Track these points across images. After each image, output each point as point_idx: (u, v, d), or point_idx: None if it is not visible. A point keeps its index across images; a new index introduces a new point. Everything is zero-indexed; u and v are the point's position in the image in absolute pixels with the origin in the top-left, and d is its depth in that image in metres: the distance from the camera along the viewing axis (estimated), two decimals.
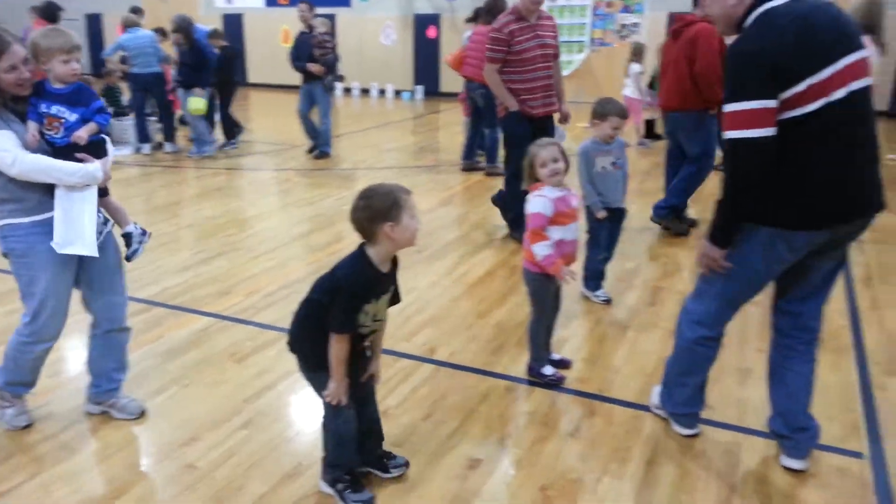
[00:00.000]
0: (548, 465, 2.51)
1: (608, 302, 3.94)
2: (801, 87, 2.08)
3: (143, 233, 2.95)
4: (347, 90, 15.55)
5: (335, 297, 2.12)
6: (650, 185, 6.94)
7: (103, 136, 2.60)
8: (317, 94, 8.14)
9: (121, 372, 2.84)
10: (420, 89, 14.73)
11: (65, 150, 2.46)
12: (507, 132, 4.94)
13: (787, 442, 2.49)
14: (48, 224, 2.46)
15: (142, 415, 2.80)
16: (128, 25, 8.13)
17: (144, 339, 3.46)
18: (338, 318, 2.12)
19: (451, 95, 13.42)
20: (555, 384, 3.04)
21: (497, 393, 2.99)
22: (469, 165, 7.51)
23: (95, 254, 2.53)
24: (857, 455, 2.57)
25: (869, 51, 4.44)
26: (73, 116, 2.48)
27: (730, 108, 2.16)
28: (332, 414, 2.26)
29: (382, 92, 15.16)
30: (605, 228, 3.90)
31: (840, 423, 2.76)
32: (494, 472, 2.46)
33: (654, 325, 3.69)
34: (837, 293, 4.08)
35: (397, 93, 14.95)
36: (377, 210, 2.06)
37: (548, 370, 3.08)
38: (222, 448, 2.59)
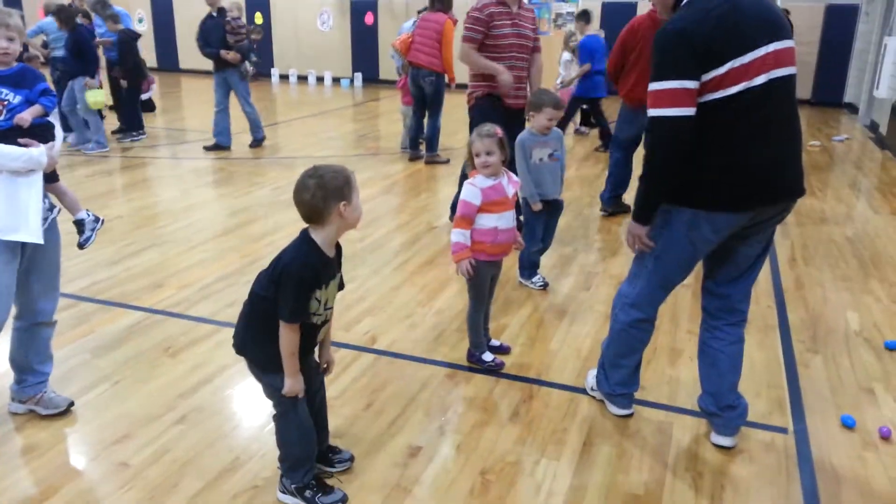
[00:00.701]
0: (487, 449, 2.54)
1: (545, 287, 4.00)
2: (721, 69, 2.15)
3: (96, 220, 2.84)
4: (284, 77, 15.25)
5: (281, 286, 2.03)
6: (587, 171, 7.08)
7: (49, 119, 2.50)
8: (233, 82, 7.71)
9: (47, 364, 2.72)
10: (359, 76, 14.58)
11: (7, 134, 2.35)
12: (477, 121, 4.86)
13: (717, 420, 2.58)
14: None
15: (69, 408, 2.70)
16: (49, 11, 7.74)
17: (73, 336, 3.33)
18: (287, 305, 2.03)
19: (390, 83, 13.32)
20: (494, 370, 3.08)
21: (437, 380, 3.01)
22: (415, 155, 7.48)
23: (41, 240, 2.42)
24: (782, 430, 2.69)
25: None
26: (16, 98, 2.39)
27: (652, 87, 2.23)
28: (292, 411, 2.16)
29: (320, 79, 14.94)
30: (542, 220, 3.94)
31: (766, 400, 2.89)
32: (434, 458, 2.48)
33: (590, 309, 3.77)
34: (764, 274, 4.25)
35: (335, 80, 14.75)
36: (331, 189, 2.00)
37: (487, 356, 3.11)
38: (156, 445, 2.52)
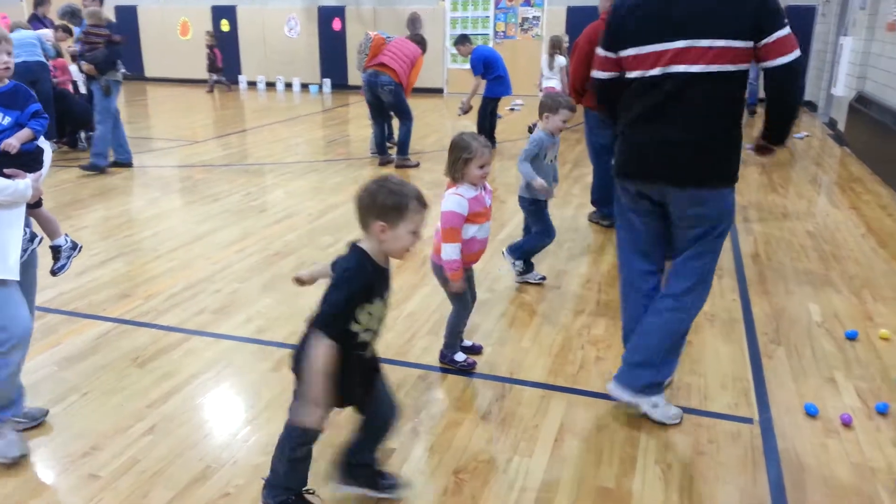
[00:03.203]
0: (460, 448, 2.56)
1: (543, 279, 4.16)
2: (624, 53, 2.54)
3: (74, 246, 2.71)
4: (252, 84, 15.15)
5: (330, 290, 1.85)
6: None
7: (38, 144, 2.34)
8: (97, 96, 6.95)
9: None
10: (328, 82, 14.54)
11: None
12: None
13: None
14: None
15: (45, 416, 2.68)
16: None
17: (40, 348, 3.27)
18: (328, 313, 1.81)
19: (359, 88, 13.32)
20: (466, 370, 3.10)
21: (410, 382, 3.02)
22: (385, 159, 7.48)
23: (16, 277, 2.30)
24: (748, 421, 2.75)
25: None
26: (5, 120, 2.22)
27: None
28: (300, 439, 1.99)
29: (289, 85, 14.86)
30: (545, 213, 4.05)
31: (732, 392, 2.95)
32: (408, 459, 2.49)
33: (561, 307, 3.81)
34: (728, 269, 4.34)
35: (304, 86, 14.69)
36: (378, 204, 1.86)
37: (459, 356, 3.13)
38: (125, 456, 2.49)
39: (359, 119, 10.53)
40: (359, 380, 2.01)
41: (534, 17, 13.20)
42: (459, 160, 2.83)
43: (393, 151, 7.62)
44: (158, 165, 7.52)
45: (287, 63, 14.88)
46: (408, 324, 3.59)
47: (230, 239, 4.93)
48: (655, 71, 2.46)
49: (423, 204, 1.92)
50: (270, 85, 15.01)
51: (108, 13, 7.29)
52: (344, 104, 12.62)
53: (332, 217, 5.50)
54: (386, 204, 1.85)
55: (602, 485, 2.36)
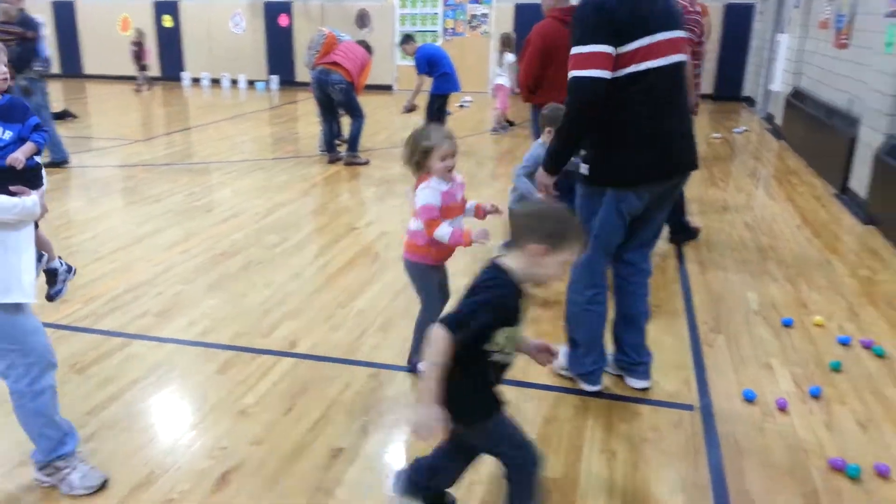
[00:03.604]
0: (410, 446, 2.56)
1: None
2: (632, 46, 2.42)
3: (69, 269, 2.56)
4: (196, 81, 14.82)
5: (469, 296, 1.76)
6: (502, 169, 7.20)
7: (37, 160, 2.22)
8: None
9: None
10: (275, 79, 14.33)
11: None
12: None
13: (639, 368, 2.93)
14: None
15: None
16: None
17: None
18: (460, 312, 1.71)
19: (308, 85, 13.16)
20: None
21: (360, 381, 3.01)
22: (334, 157, 7.42)
23: (34, 300, 2.19)
24: (689, 408, 2.83)
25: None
26: (6, 134, 2.11)
27: (575, 51, 2.46)
28: (430, 469, 1.97)
29: (235, 82, 14.59)
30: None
31: (674, 380, 3.03)
32: (357, 458, 2.48)
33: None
34: (670, 260, 4.45)
35: (251, 83, 14.45)
36: (545, 227, 1.77)
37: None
38: None
39: (307, 116, 10.41)
40: (479, 400, 1.90)
41: (482, 14, 13.26)
42: (417, 151, 2.71)
43: (342, 149, 7.57)
44: (98, 165, 7.30)
45: (233, 59, 14.60)
46: (357, 321, 3.58)
47: (173, 240, 4.82)
48: (662, 61, 2.46)
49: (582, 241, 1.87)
50: (215, 82, 14.71)
51: (29, 8, 6.87)
52: (292, 101, 12.46)
53: (279, 216, 5.43)
54: (555, 229, 1.78)
55: (550, 476, 2.40)
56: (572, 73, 2.46)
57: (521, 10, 12.94)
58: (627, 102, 2.47)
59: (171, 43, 14.95)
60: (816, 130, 7.28)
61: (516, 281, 1.79)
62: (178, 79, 14.85)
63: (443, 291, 3.02)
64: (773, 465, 2.47)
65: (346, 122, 7.58)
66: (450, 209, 2.77)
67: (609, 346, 2.99)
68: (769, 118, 10.37)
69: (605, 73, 2.41)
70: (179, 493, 2.29)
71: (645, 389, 2.93)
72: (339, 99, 7.11)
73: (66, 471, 2.28)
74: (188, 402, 2.86)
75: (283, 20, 14.20)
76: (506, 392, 2.88)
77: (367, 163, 7.35)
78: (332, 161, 7.37)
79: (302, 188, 6.34)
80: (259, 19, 14.41)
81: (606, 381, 2.98)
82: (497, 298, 1.75)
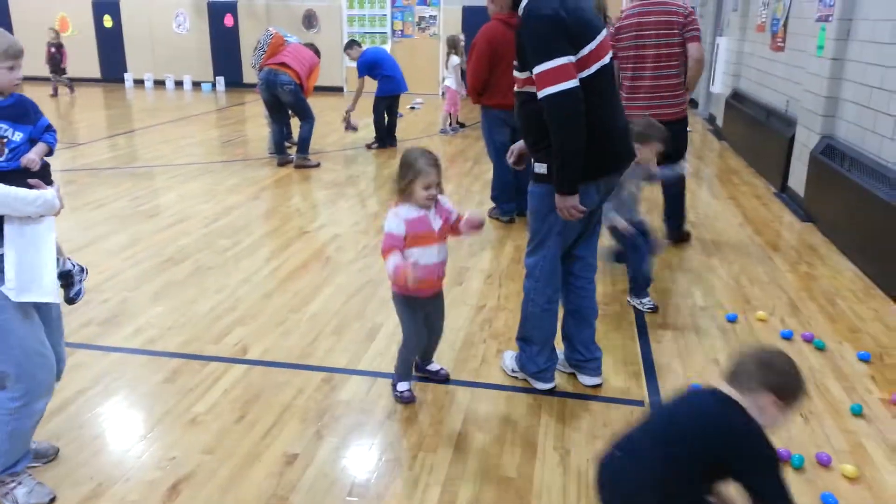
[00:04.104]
0: (365, 449, 2.56)
1: (654, 310, 3.76)
2: (584, 51, 2.49)
3: (82, 269, 2.47)
4: (139, 82, 14.43)
5: (755, 463, 1.66)
6: (452, 171, 7.23)
7: (46, 159, 2.17)
8: None
9: None
10: (221, 80, 14.07)
11: (9, 176, 2.00)
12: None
13: (590, 364, 2.99)
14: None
15: (56, 452, 2.47)
16: None
17: None
18: (780, 493, 1.64)
19: (255, 86, 12.96)
20: (407, 402, 2.85)
21: (313, 385, 2.98)
22: (284, 159, 7.32)
23: (58, 300, 2.11)
24: (639, 403, 2.89)
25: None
26: (17, 136, 2.05)
27: (541, 68, 2.44)
28: None
29: (179, 83, 14.27)
30: (642, 232, 3.74)
31: (624, 376, 3.09)
32: (312, 464, 2.46)
33: (463, 303, 3.87)
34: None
35: (196, 84, 14.15)
36: (781, 381, 1.72)
37: (402, 386, 2.88)
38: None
39: (255, 118, 10.25)
40: None
41: (430, 16, 13.29)
42: (405, 178, 2.60)
43: (292, 151, 7.48)
44: None
45: (177, 60, 14.27)
46: (310, 325, 3.55)
47: (118, 246, 4.69)
48: (606, 59, 2.59)
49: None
50: (159, 83, 14.36)
51: None
52: (239, 103, 12.25)
53: (229, 220, 5.34)
54: (789, 386, 1.73)
55: (504, 474, 2.42)
56: (547, 91, 2.44)
57: (468, 13, 13.02)
58: (588, 102, 2.50)
59: (111, 43, 14.53)
60: (756, 131, 7.53)
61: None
62: (120, 80, 14.45)
63: (430, 326, 2.90)
64: None
65: (295, 124, 7.50)
66: (422, 237, 2.63)
67: (559, 345, 3.04)
68: (711, 119, 10.67)
69: (575, 82, 2.44)
70: (130, 503, 2.23)
71: (597, 386, 2.98)
72: (287, 100, 7.02)
73: (11, 485, 2.21)
74: (136, 412, 2.79)
75: (228, 20, 13.96)
76: (459, 393, 2.92)
77: (317, 165, 7.29)
78: (282, 164, 7.28)
79: (251, 191, 6.24)
80: (203, 19, 14.12)
81: (558, 379, 3.02)
82: (773, 450, 1.69)
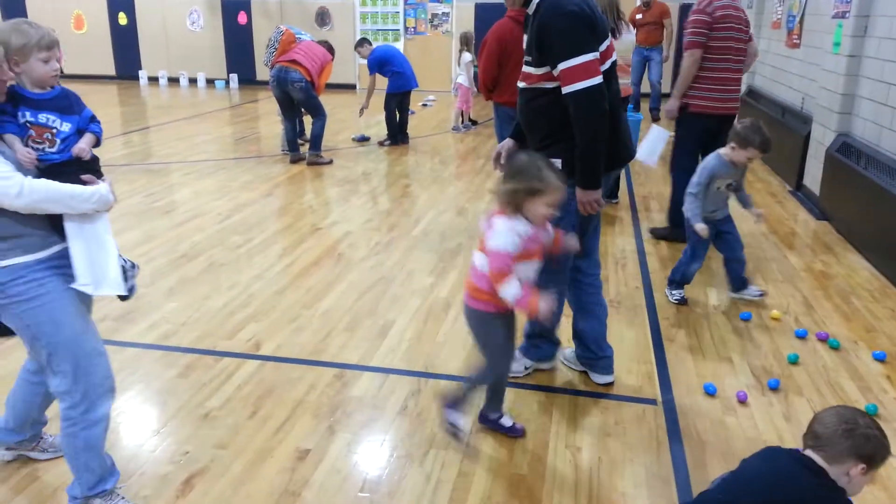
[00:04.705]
0: (377, 445, 2.56)
1: (682, 301, 3.81)
2: (602, 48, 2.56)
3: (133, 265, 2.45)
4: (154, 79, 14.52)
5: None
6: (465, 168, 7.22)
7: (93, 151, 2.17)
8: None
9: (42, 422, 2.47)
10: (234, 78, 14.13)
11: (59, 169, 2.01)
12: (685, 140, 4.68)
13: (602, 362, 2.99)
14: (56, 260, 2.03)
15: None
16: None
17: None
18: None
19: (268, 84, 13.00)
20: (455, 436, 2.56)
21: (325, 381, 2.99)
22: (297, 156, 7.35)
23: (124, 291, 2.13)
24: (652, 402, 2.88)
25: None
26: (66, 126, 2.04)
27: (569, 63, 2.47)
28: None
29: (193, 81, 14.35)
30: (706, 241, 3.72)
31: (637, 375, 3.08)
32: (324, 459, 2.47)
33: None
34: (632, 258, 4.52)
35: (209, 81, 14.22)
36: (865, 449, 1.68)
37: (459, 418, 2.54)
38: (25, 471, 2.36)
39: (268, 115, 10.29)
40: None
41: (443, 13, 13.27)
42: (522, 189, 2.23)
43: (305, 148, 7.51)
44: None
45: (190, 58, 14.35)
46: (323, 322, 3.56)
47: (133, 242, 4.73)
48: (614, 56, 2.67)
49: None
50: (173, 80, 14.45)
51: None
52: (253, 100, 12.30)
53: (242, 216, 5.36)
54: (880, 453, 1.70)
55: (515, 472, 2.42)
56: (577, 87, 2.47)
57: (481, 10, 12.98)
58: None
59: (126, 41, 14.62)
60: (771, 129, 7.42)
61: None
62: (134, 77, 14.54)
63: (512, 343, 2.57)
64: (735, 456, 2.52)
65: (308, 122, 7.52)
66: (528, 253, 2.31)
67: (569, 343, 3.04)
68: None
69: (601, 78, 2.50)
70: (143, 498, 2.25)
71: (609, 384, 2.97)
72: (299, 98, 7.04)
73: None
74: (150, 406, 2.81)
75: (241, 18, 14.01)
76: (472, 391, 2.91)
77: (330, 162, 7.30)
78: (295, 161, 7.30)
79: (265, 188, 6.27)
80: (217, 17, 14.18)
81: (571, 377, 3.02)
82: None
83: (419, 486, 2.34)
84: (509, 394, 2.91)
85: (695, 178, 3.68)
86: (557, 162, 2.64)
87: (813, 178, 5.91)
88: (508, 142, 2.94)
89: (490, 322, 2.39)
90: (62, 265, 2.04)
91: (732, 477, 1.87)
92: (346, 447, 2.55)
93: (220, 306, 3.73)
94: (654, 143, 4.91)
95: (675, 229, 4.64)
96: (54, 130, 2.04)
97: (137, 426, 2.67)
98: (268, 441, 2.56)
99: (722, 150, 3.70)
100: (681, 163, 4.68)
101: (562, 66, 2.48)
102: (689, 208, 3.64)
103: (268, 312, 3.66)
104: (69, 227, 2.02)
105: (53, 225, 2.02)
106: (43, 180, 1.94)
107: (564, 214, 2.70)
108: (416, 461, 2.47)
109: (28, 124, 1.99)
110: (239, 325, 3.51)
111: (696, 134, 4.62)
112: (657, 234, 4.94)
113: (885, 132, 4.77)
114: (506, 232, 2.22)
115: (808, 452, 1.75)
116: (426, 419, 2.72)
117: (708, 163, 3.69)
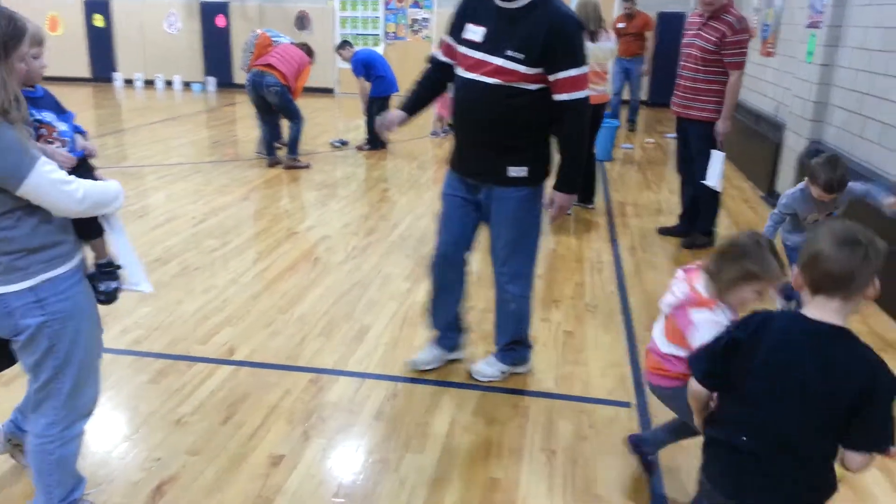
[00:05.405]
0: (352, 450, 2.55)
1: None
2: None
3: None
4: (129, 82, 14.37)
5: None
6: (442, 174, 7.22)
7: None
8: None
9: None
10: (212, 81, 14.01)
11: (75, 169, 1.94)
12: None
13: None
14: (80, 268, 1.95)
15: None
16: None
17: None
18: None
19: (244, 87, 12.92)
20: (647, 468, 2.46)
21: (300, 387, 2.97)
22: (274, 160, 7.30)
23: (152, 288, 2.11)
24: (625, 405, 2.90)
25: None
26: (63, 125, 1.98)
27: (577, 72, 2.56)
28: None
29: (169, 83, 14.21)
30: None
31: (611, 378, 3.10)
32: (298, 465, 2.45)
33: (461, 299, 3.85)
34: (608, 262, 4.55)
35: (186, 84, 14.09)
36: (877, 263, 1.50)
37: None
38: None
39: (246, 119, 10.21)
40: None
41: (423, 18, 13.29)
42: (739, 274, 1.98)
43: (282, 152, 7.46)
44: None
45: (167, 60, 14.21)
46: (298, 326, 3.53)
47: None
48: None
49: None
50: (149, 83, 14.29)
51: None
52: (230, 103, 12.20)
53: (217, 220, 5.32)
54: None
55: (491, 476, 2.42)
56: (578, 95, 2.59)
57: None
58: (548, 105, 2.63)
59: (102, 43, 14.45)
60: (744, 136, 7.56)
61: None
62: (109, 79, 14.37)
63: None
64: None
65: (286, 125, 7.48)
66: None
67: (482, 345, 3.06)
68: None
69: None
70: None
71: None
72: (274, 102, 7.00)
73: None
74: (121, 412, 2.77)
75: (219, 21, 13.91)
76: (447, 395, 2.92)
77: (307, 166, 7.27)
78: (272, 164, 7.26)
79: (241, 192, 6.22)
80: (195, 20, 14.06)
81: (547, 382, 3.03)
82: None
83: (394, 491, 2.33)
84: (486, 397, 2.91)
85: (774, 211, 3.52)
86: (523, 170, 2.66)
87: (785, 184, 6.00)
88: (400, 113, 2.89)
89: (683, 393, 1.95)
90: (81, 273, 1.98)
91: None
92: (321, 452, 2.53)
93: (193, 311, 3.69)
94: (717, 168, 4.80)
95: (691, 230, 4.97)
96: (56, 130, 1.98)
97: (108, 432, 2.63)
98: (241, 447, 2.54)
99: (802, 185, 3.42)
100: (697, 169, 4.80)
101: (567, 73, 2.53)
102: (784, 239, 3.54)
103: (242, 317, 3.63)
104: (116, 228, 2.03)
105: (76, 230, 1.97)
106: (89, 181, 1.87)
107: (532, 219, 2.78)
108: (391, 466, 2.46)
109: (38, 123, 1.92)
110: (213, 330, 3.47)
111: (712, 142, 4.72)
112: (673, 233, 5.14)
113: (857, 140, 4.86)
114: (710, 328, 1.95)
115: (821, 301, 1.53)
116: (402, 424, 2.71)
117: (791, 193, 3.45)
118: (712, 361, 1.65)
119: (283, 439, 2.59)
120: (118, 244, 2.04)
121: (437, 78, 2.92)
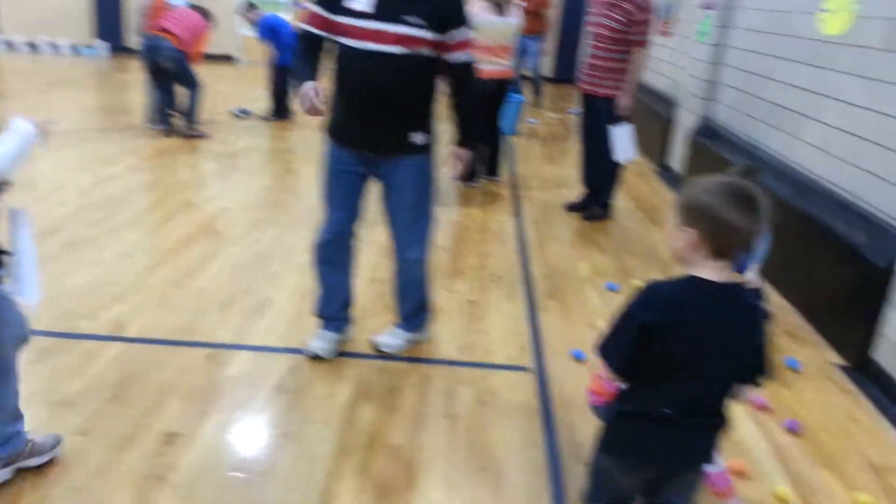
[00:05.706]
0: (252, 425, 2.51)
1: None
2: None
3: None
4: (8, 44, 13.27)
5: None
6: None
7: None
8: None
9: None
10: (103, 45, 13.15)
11: None
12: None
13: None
14: None
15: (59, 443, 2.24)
16: None
17: None
18: None
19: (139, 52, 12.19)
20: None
21: (197, 362, 2.87)
22: (169, 130, 6.95)
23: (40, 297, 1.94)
24: (524, 369, 2.98)
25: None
26: None
27: (469, 32, 2.66)
28: None
29: (55, 47, 13.23)
30: None
31: (513, 346, 3.18)
32: (194, 443, 2.38)
33: (355, 275, 3.82)
34: (511, 233, 4.65)
35: (75, 48, 13.17)
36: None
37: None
38: None
39: (139, 85, 9.66)
40: None
41: None
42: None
43: (178, 121, 7.12)
44: None
45: (52, 21, 13.20)
46: (195, 300, 3.41)
47: None
48: None
49: None
50: (32, 46, 13.26)
51: None
52: (122, 69, 11.52)
53: (107, 191, 5.02)
54: None
55: (394, 443, 2.44)
56: (470, 55, 2.70)
57: None
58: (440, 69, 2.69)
59: None
60: (640, 112, 7.84)
61: None
62: None
63: None
64: None
65: (182, 93, 7.13)
66: None
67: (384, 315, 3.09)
68: None
69: None
70: None
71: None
72: (169, 68, 6.66)
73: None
74: None
75: None
76: (352, 366, 2.91)
77: (206, 136, 6.98)
78: (169, 134, 6.92)
79: (133, 162, 5.90)
80: None
81: (451, 350, 3.07)
82: None
83: (295, 463, 2.31)
84: (391, 367, 2.92)
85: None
86: (424, 136, 2.69)
87: (677, 158, 6.29)
88: (318, 84, 2.66)
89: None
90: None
91: None
92: (220, 428, 2.47)
93: (80, 285, 3.49)
94: (627, 140, 4.90)
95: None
96: None
97: None
98: (132, 427, 2.43)
99: None
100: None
101: (464, 33, 2.62)
102: None
103: (135, 291, 3.47)
104: (20, 224, 1.95)
105: None
106: None
107: (432, 184, 2.79)
108: (292, 439, 2.43)
109: None
110: (102, 305, 3.30)
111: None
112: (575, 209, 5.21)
113: (744, 117, 5.14)
114: None
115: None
116: (304, 396, 2.68)
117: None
118: (627, 351, 1.60)
119: (178, 417, 2.51)
120: (18, 240, 1.89)
121: (317, 51, 2.69)
